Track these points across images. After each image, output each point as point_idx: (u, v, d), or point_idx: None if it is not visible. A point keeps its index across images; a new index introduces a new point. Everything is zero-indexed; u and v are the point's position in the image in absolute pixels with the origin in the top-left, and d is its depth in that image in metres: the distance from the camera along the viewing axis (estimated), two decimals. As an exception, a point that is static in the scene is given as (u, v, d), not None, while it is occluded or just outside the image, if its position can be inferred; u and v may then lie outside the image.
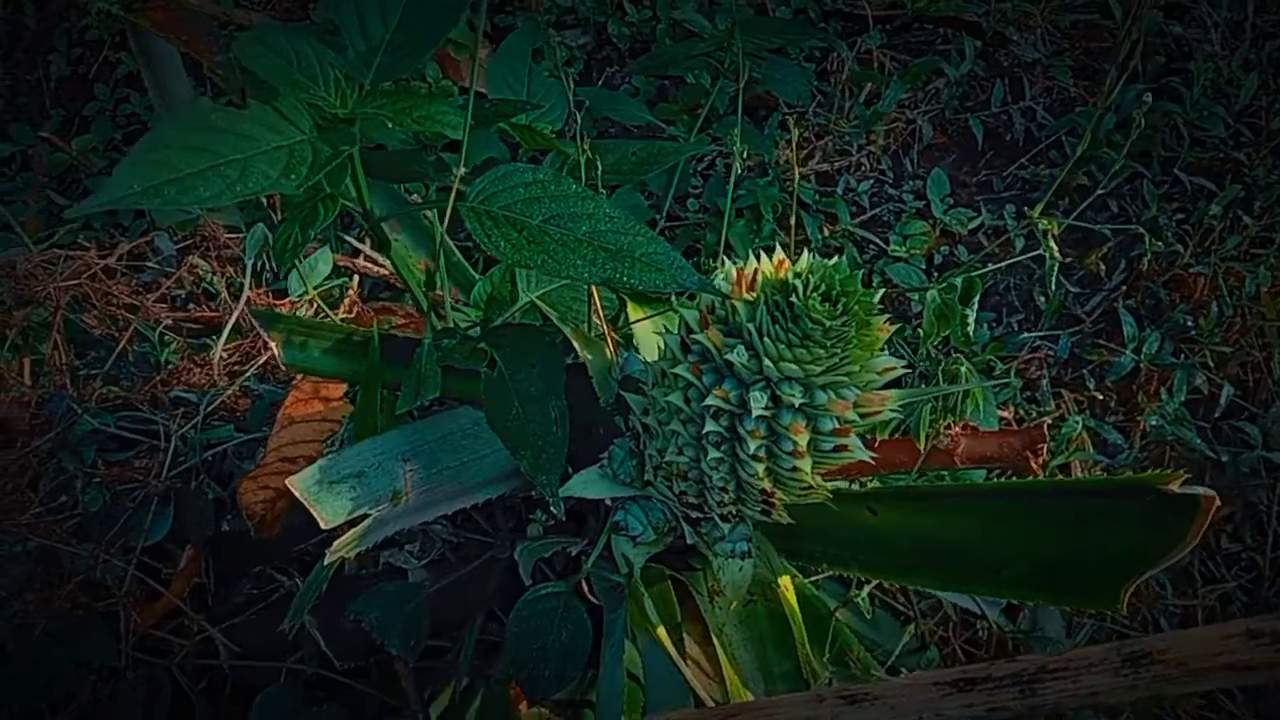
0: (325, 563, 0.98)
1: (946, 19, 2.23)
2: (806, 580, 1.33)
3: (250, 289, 1.58)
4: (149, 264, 1.59)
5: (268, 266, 1.62)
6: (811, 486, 0.97)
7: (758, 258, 0.97)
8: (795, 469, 0.93)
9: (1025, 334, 2.01)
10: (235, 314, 1.48)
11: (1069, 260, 2.05)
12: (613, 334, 1.12)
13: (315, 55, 0.87)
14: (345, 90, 0.86)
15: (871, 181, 2.17)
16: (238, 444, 1.39)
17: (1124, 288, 2.01)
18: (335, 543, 0.98)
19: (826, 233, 2.08)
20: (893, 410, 0.96)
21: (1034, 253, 1.31)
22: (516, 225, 0.90)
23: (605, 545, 1.10)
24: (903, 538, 1.08)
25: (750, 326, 0.90)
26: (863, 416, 0.96)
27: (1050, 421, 1.78)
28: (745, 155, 2.13)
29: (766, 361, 0.89)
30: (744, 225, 2.02)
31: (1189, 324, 1.93)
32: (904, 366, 0.97)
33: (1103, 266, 2.04)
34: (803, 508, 1.10)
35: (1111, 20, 2.16)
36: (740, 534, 1.07)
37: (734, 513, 1.04)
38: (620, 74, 2.29)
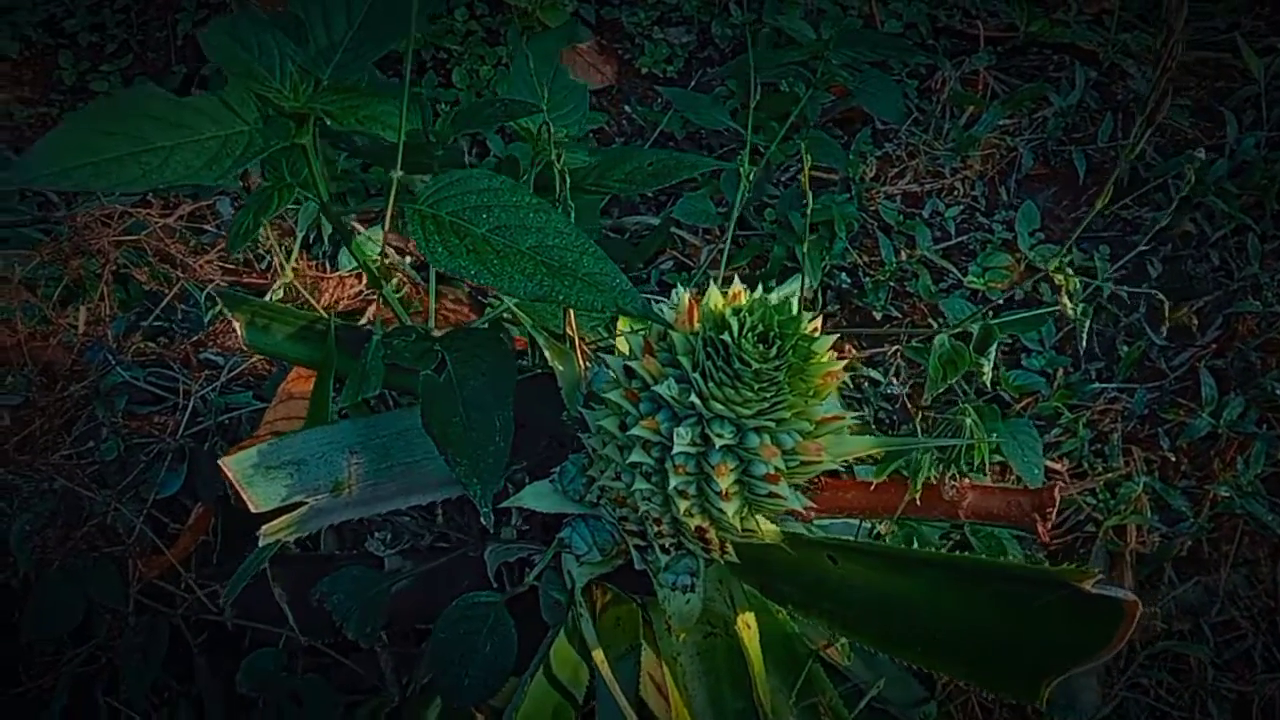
0: (261, 544, 1.00)
1: (1061, 45, 2.13)
2: (790, 619, 1.30)
3: (300, 260, 1.62)
4: (208, 227, 1.65)
5: (321, 239, 1.66)
6: (751, 529, 0.94)
7: (727, 285, 0.94)
8: (722, 510, 0.90)
9: (1102, 384, 1.90)
10: (279, 284, 1.52)
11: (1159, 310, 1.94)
12: (584, 346, 1.10)
13: (278, 48, 0.87)
14: (299, 84, 0.87)
15: (962, 207, 2.08)
16: (252, 411, 1.43)
17: (1214, 346, 1.89)
18: (266, 526, 1.00)
19: (904, 256, 2.01)
20: (831, 461, 0.92)
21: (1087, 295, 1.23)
22: (460, 232, 0.89)
23: (557, 561, 1.09)
24: (858, 591, 1.04)
25: (684, 359, 0.88)
26: (803, 464, 0.92)
27: (1061, 485, 1.69)
28: (843, 171, 2.08)
29: (693, 397, 0.87)
30: (815, 241, 1.97)
31: (1279, 393, 1.79)
32: (854, 416, 0.93)
33: (1195, 321, 1.92)
34: (776, 548, 1.07)
35: (1240, 60, 2.02)
36: (684, 566, 1.05)
37: (675, 544, 1.01)
38: (717, 75, 2.26)
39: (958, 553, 1.10)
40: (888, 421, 1.92)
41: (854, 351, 1.93)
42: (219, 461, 0.98)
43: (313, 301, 1.08)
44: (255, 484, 1.00)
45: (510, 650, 1.02)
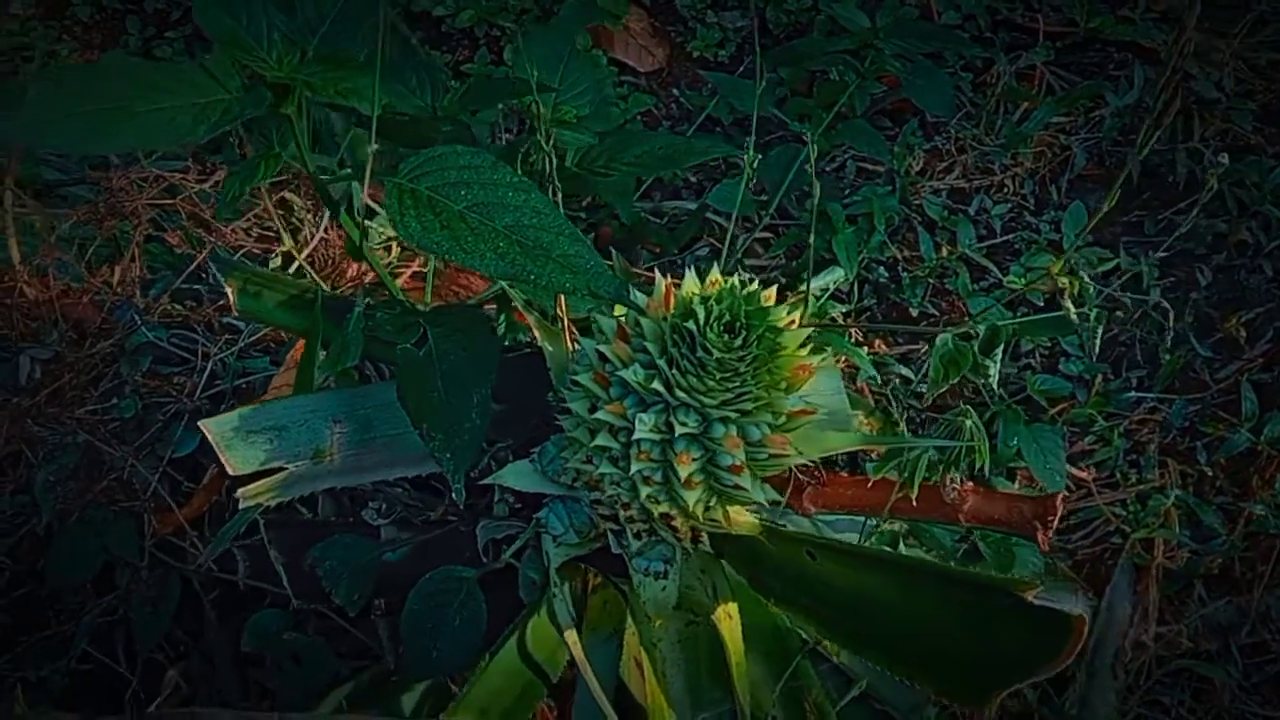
0: (242, 506, 1.02)
1: (1123, 43, 2.07)
2: (783, 613, 1.29)
3: (330, 230, 1.64)
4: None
5: (353, 210, 1.67)
6: (717, 519, 0.94)
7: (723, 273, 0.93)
8: (684, 499, 0.90)
9: (1140, 393, 1.85)
10: (306, 252, 1.54)
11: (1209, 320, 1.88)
12: (573, 326, 1.10)
13: (266, 18, 0.88)
14: (284, 55, 0.87)
15: (1010, 206, 2.04)
16: (267, 376, 1.45)
17: (1261, 360, 1.82)
18: (244, 489, 1.02)
19: (945, 253, 1.97)
20: (800, 455, 0.90)
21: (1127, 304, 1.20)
22: (436, 208, 0.89)
23: (538, 540, 1.10)
24: (834, 590, 1.03)
25: (652, 345, 0.87)
26: (772, 457, 0.91)
27: (1065, 494, 1.65)
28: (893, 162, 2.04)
29: (657, 384, 0.86)
30: (852, 234, 1.94)
31: (1325, 411, 1.73)
32: (823, 413, 0.92)
33: (1243, 333, 1.86)
34: (761, 540, 1.06)
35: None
36: (658, 553, 1.04)
37: (647, 530, 1.01)
38: (764, 61, 2.23)
39: (919, 555, 1.08)
40: (917, 420, 1.89)
41: (885, 348, 1.90)
42: (199, 423, 1.00)
43: (314, 275, 1.09)
44: (234, 447, 1.02)
45: (479, 626, 1.03)
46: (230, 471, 1.02)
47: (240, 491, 1.03)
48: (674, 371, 0.85)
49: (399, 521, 1.25)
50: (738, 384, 0.85)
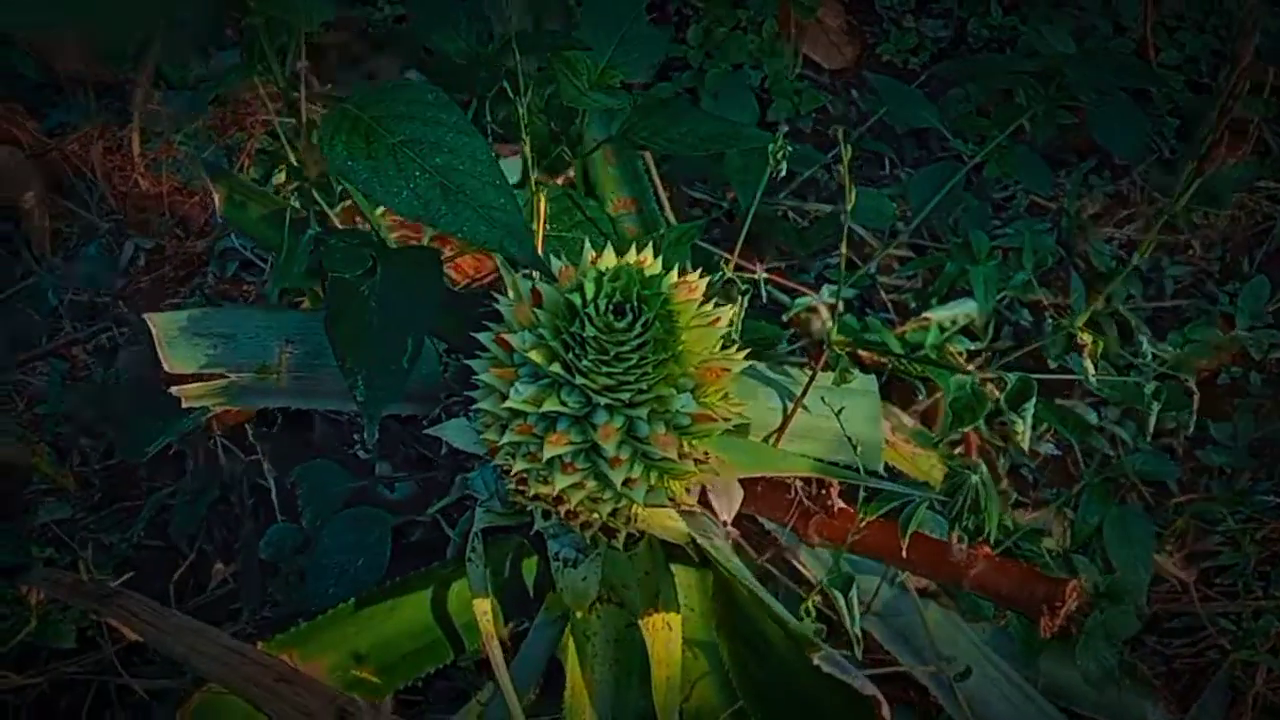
0: (184, 405, 1.03)
1: (1361, 107, 1.81)
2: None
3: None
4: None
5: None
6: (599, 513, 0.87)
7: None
8: (556, 482, 0.84)
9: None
10: (280, 170, 1.55)
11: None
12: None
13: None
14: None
15: (1191, 269, 1.83)
16: (326, 297, 1.48)
17: None
18: (186, 388, 1.03)
19: (1101, 305, 1.79)
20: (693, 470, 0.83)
21: None
22: (371, 136, 0.87)
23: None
24: (744, 620, 0.94)
25: (543, 315, 0.82)
26: (664, 460, 0.84)
27: (1075, 585, 1.46)
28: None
29: (535, 354, 0.80)
30: (994, 268, 1.78)
31: None
32: (732, 425, 0.83)
33: None
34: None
35: None
36: (570, 540, 0.98)
37: (555, 511, 0.95)
38: (939, 72, 2.09)
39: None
40: (1030, 480, 1.73)
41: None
42: (144, 316, 1.02)
43: (316, 196, 1.08)
44: (176, 345, 1.03)
45: (379, 571, 1.01)
46: (166, 368, 1.03)
47: (179, 390, 1.04)
48: (556, 344, 0.79)
49: (392, 458, 1.25)
50: (620, 369, 0.78)
